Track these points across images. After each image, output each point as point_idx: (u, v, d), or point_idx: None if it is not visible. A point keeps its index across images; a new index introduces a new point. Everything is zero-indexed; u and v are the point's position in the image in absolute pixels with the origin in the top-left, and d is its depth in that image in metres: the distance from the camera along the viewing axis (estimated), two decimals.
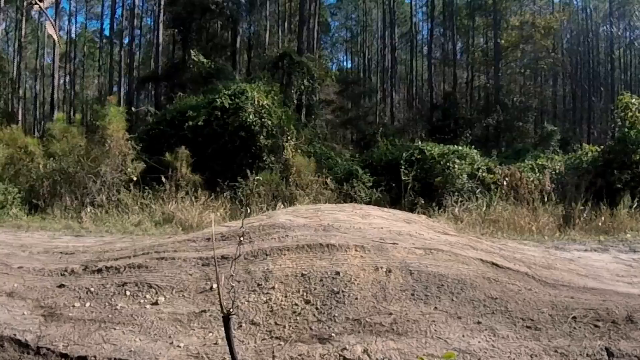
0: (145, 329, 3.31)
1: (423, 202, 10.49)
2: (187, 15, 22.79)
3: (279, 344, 3.11)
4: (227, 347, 2.56)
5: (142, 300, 3.69)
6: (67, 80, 36.06)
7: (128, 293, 3.79)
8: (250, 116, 12.05)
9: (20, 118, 26.28)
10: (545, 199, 10.13)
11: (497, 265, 4.40)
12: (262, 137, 12.11)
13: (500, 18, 27.43)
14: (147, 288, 3.82)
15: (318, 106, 21.40)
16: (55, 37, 3.46)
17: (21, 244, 6.55)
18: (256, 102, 12.34)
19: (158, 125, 13.25)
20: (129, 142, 11.24)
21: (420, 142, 13.43)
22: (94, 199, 10.24)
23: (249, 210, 9.43)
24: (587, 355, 2.91)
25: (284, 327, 3.30)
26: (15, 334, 3.22)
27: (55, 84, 26.10)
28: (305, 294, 3.62)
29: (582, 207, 9.48)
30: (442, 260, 4.17)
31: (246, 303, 3.56)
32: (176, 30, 24.60)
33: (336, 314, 3.37)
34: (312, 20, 26.96)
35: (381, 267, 3.90)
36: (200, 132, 11.98)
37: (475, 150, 12.04)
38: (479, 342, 3.05)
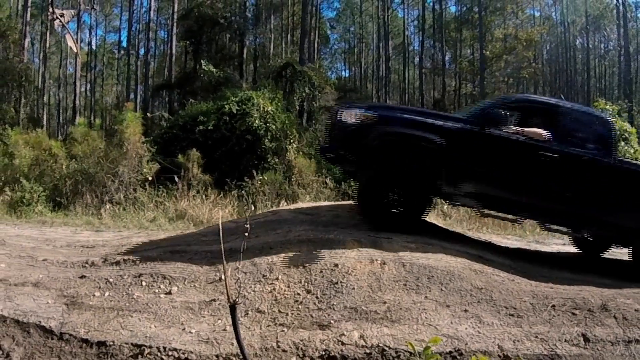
0: (160, 316, 3.30)
1: None
2: (198, 29, 22.75)
3: (283, 330, 3.11)
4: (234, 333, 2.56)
5: (156, 290, 3.69)
6: (88, 88, 36.06)
7: (144, 283, 3.78)
8: (256, 121, 12.04)
9: (44, 123, 26.31)
10: None
11: (482, 258, 4.40)
12: (266, 140, 12.10)
13: (486, 31, 27.40)
14: (161, 279, 3.82)
15: (318, 112, 21.36)
16: (74, 48, 3.43)
17: (46, 238, 6.55)
18: (261, 108, 12.34)
19: (171, 130, 13.25)
20: (145, 144, 11.25)
21: None
22: (112, 197, 10.24)
23: (254, 208, 9.43)
24: (566, 340, 2.91)
25: (287, 314, 3.30)
26: (40, 321, 3.22)
27: (77, 91, 26.10)
28: (306, 284, 3.62)
29: None
30: (432, 254, 4.17)
31: (252, 293, 3.56)
32: (188, 42, 24.54)
33: (335, 303, 3.37)
34: (312, 33, 26.96)
35: (376, 260, 3.90)
36: (210, 135, 11.98)
37: None
38: (466, 328, 3.05)
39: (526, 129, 4.83)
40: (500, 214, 5.07)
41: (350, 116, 4.76)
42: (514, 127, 4.90)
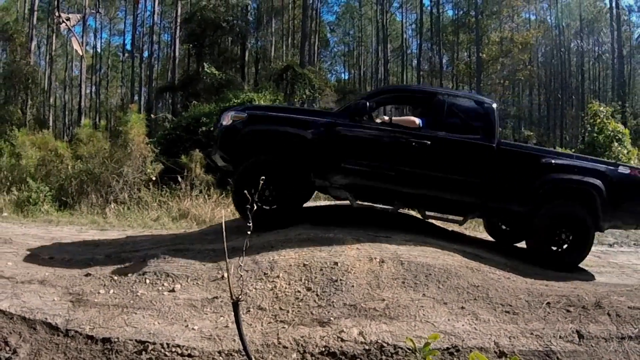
0: (163, 314, 3.30)
1: None
2: (201, 32, 22.76)
3: (283, 327, 3.11)
4: (236, 330, 2.56)
5: (160, 288, 3.69)
6: (93, 90, 36.05)
7: (148, 281, 3.78)
8: None
9: (51, 124, 26.29)
10: None
11: (479, 256, 4.40)
12: None
13: (482, 34, 27.40)
14: (164, 276, 3.82)
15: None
16: (79, 51, 3.42)
17: (52, 237, 6.56)
18: None
19: (175, 131, 13.25)
20: (149, 145, 11.25)
21: None
22: (117, 196, 10.24)
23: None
24: (560, 337, 2.91)
25: (288, 311, 3.30)
26: (46, 318, 3.22)
27: (82, 93, 26.09)
28: (306, 282, 3.62)
29: None
30: (430, 252, 4.17)
31: (254, 290, 3.55)
32: (191, 45, 24.55)
33: (334, 300, 3.37)
34: (313, 36, 26.97)
35: (375, 258, 3.89)
36: (212, 136, 11.97)
37: None
38: (463, 325, 3.05)
39: (396, 118, 4.84)
40: (380, 205, 4.98)
41: (225, 118, 4.81)
42: (385, 117, 4.90)
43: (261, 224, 4.30)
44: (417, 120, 4.72)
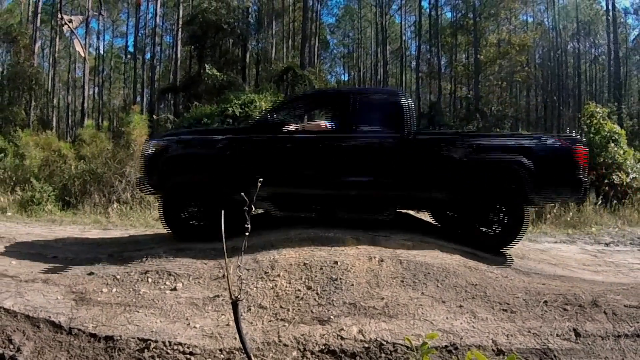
0: (165, 312, 3.30)
1: None
2: (203, 34, 22.76)
3: (284, 325, 3.11)
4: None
5: (162, 286, 3.69)
6: (96, 91, 36.07)
7: (150, 280, 3.78)
8: None
9: (54, 125, 26.34)
10: None
11: (477, 255, 4.40)
12: None
13: (480, 36, 27.40)
14: (166, 275, 3.82)
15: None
16: (82, 53, 3.42)
17: (55, 236, 6.56)
18: (264, 111, 12.35)
19: (181, 128, 13.24)
20: None
21: None
22: (119, 196, 10.24)
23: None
24: (557, 335, 2.90)
25: (288, 310, 3.30)
26: (49, 316, 3.22)
27: (86, 94, 26.09)
28: (307, 280, 3.62)
29: (552, 204, 9.48)
30: (429, 251, 4.17)
31: (255, 289, 3.55)
32: (193, 47, 24.55)
33: (334, 299, 3.37)
34: (313, 38, 26.96)
35: (374, 257, 3.89)
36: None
37: None
38: (461, 323, 3.04)
39: (307, 124, 4.87)
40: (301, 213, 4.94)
41: (148, 147, 4.98)
42: (292, 126, 4.88)
43: (193, 237, 4.60)
44: (326, 124, 4.78)
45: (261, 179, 3.06)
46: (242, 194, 2.62)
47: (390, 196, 4.72)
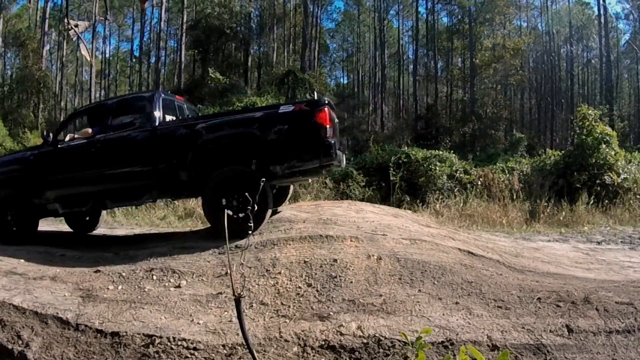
0: (170, 308, 3.30)
1: (409, 199, 10.48)
2: (206, 38, 22.79)
3: (285, 321, 3.11)
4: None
5: (166, 284, 3.69)
6: (102, 94, 36.02)
7: (155, 277, 3.78)
8: None
9: None
10: (514, 197, 10.13)
11: (472, 253, 4.40)
12: None
13: (475, 41, 27.41)
14: (171, 273, 3.82)
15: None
16: (87, 57, 3.51)
17: (62, 235, 6.56)
18: None
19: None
20: None
21: (406, 148, 13.44)
22: None
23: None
24: (551, 331, 2.90)
25: (289, 306, 3.30)
26: (57, 313, 3.22)
27: (92, 97, 26.10)
28: (307, 278, 3.62)
29: (545, 204, 9.49)
30: (426, 249, 4.17)
31: (256, 286, 3.55)
32: (196, 51, 24.58)
33: (334, 296, 3.37)
34: (313, 42, 26.99)
35: (373, 255, 3.89)
36: None
37: (453, 155, 12.00)
38: (457, 319, 3.04)
39: (77, 133, 5.40)
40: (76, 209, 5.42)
41: None
42: (67, 136, 5.52)
43: (6, 240, 5.24)
44: (90, 130, 5.25)
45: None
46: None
47: (145, 184, 4.92)
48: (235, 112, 5.40)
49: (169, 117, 5.23)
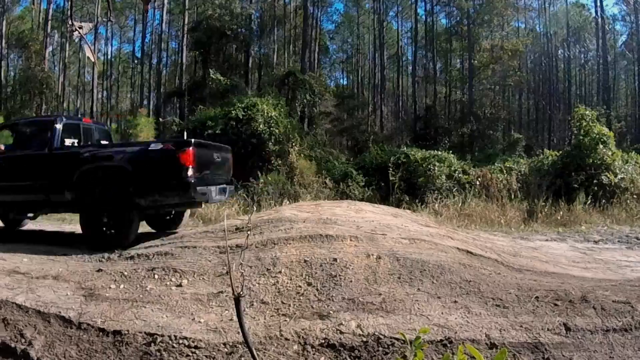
0: (171, 307, 3.30)
1: (408, 199, 10.48)
2: (207, 40, 22.76)
3: (285, 320, 3.11)
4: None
5: (168, 283, 3.69)
6: (104, 95, 36.08)
7: (156, 276, 3.78)
8: (261, 126, 12.05)
9: None
10: (512, 197, 10.13)
11: (471, 253, 4.40)
12: (270, 143, 12.11)
13: (474, 42, 27.37)
14: (172, 272, 3.82)
15: (318, 117, 21.36)
16: (91, 58, 3.53)
17: (65, 234, 6.55)
18: (266, 114, 12.35)
19: (182, 134, 13.24)
20: None
21: (405, 148, 13.44)
22: None
23: (259, 206, 9.43)
24: (548, 329, 2.90)
25: (289, 305, 3.30)
26: (59, 312, 3.22)
27: (95, 98, 26.12)
28: (307, 277, 3.61)
29: (543, 204, 9.49)
30: (424, 249, 4.17)
31: (257, 285, 3.55)
32: (197, 52, 24.55)
33: (334, 295, 3.37)
34: (313, 44, 26.98)
35: (372, 254, 3.89)
36: (217, 139, 11.94)
37: (452, 155, 12.02)
38: (456, 318, 3.04)
39: None
40: None
41: None
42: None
43: None
44: (2, 146, 5.74)
45: None
46: None
47: (39, 200, 5.43)
48: (123, 144, 6.19)
49: (70, 141, 5.84)
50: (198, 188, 4.87)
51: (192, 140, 5.03)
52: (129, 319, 3.12)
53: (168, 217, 6.50)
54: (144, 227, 8.10)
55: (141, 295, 3.48)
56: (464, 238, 5.49)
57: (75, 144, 5.94)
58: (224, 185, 5.87)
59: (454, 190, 10.56)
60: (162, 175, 4.89)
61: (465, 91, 28.18)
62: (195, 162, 4.83)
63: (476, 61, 26.74)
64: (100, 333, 3.01)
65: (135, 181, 4.87)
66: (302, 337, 2.92)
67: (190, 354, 2.81)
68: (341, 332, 2.92)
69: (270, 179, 10.87)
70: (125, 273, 3.86)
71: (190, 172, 4.75)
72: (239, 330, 2.81)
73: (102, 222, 5.01)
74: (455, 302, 3.26)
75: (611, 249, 6.36)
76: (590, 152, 10.43)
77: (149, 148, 5.07)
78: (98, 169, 5.13)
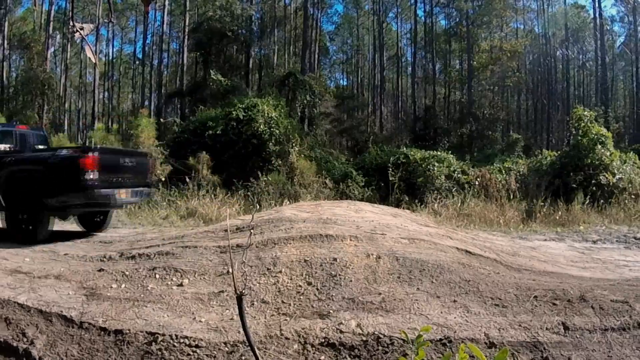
0: (172, 307, 3.30)
1: (407, 199, 10.48)
2: (208, 41, 22.76)
3: (286, 319, 3.11)
4: (240, 322, 2.56)
5: (169, 282, 3.69)
6: (106, 95, 36.06)
7: (157, 276, 3.78)
8: (261, 126, 12.04)
9: (66, 128, 26.30)
10: (511, 197, 10.13)
11: (470, 252, 4.40)
12: (271, 143, 12.09)
13: (473, 43, 27.37)
14: (173, 272, 3.82)
15: (318, 118, 21.34)
16: (93, 59, 3.54)
17: (66, 234, 6.55)
18: (266, 114, 12.33)
19: (183, 134, 13.25)
20: (158, 147, 11.27)
21: (404, 148, 13.44)
22: None
23: (259, 206, 9.43)
24: (547, 329, 2.90)
25: (290, 305, 3.30)
26: (61, 311, 3.22)
27: (96, 99, 26.08)
28: (307, 277, 3.61)
29: (542, 203, 9.48)
30: (424, 248, 4.17)
31: (257, 285, 3.55)
32: (198, 53, 24.54)
33: (334, 294, 3.37)
34: (313, 44, 26.96)
35: (372, 254, 3.89)
36: (218, 139, 11.97)
37: (451, 155, 12.01)
38: (455, 317, 3.04)
39: None
40: None
41: None
42: None
43: None
44: None
45: None
46: None
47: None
48: (41, 150, 6.61)
49: (3, 146, 6.22)
50: (101, 190, 5.43)
51: (98, 146, 5.72)
52: (130, 319, 3.12)
53: (97, 219, 6.95)
54: (144, 226, 8.11)
55: (142, 295, 3.48)
56: (463, 238, 5.50)
57: (8, 149, 6.34)
58: (139, 188, 6.32)
59: (453, 190, 10.56)
60: (66, 178, 5.41)
61: (464, 92, 28.19)
62: (99, 167, 5.36)
63: (475, 62, 26.73)
64: (102, 332, 3.01)
65: (44, 184, 5.42)
66: (303, 336, 2.92)
67: (191, 353, 2.81)
68: (341, 332, 2.92)
69: (270, 179, 10.86)
70: (127, 273, 3.86)
71: (90, 176, 5.31)
72: (240, 330, 2.82)
73: (21, 220, 5.60)
74: (455, 301, 3.26)
75: (609, 249, 6.36)
76: (588, 153, 10.42)
77: (57, 154, 5.64)
78: (17, 172, 5.66)
